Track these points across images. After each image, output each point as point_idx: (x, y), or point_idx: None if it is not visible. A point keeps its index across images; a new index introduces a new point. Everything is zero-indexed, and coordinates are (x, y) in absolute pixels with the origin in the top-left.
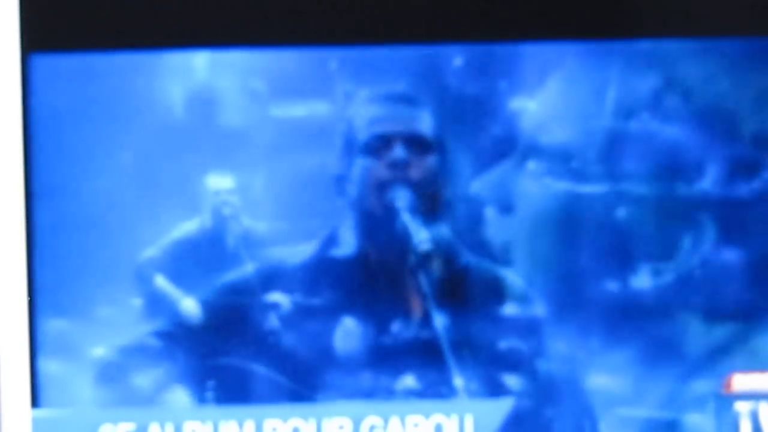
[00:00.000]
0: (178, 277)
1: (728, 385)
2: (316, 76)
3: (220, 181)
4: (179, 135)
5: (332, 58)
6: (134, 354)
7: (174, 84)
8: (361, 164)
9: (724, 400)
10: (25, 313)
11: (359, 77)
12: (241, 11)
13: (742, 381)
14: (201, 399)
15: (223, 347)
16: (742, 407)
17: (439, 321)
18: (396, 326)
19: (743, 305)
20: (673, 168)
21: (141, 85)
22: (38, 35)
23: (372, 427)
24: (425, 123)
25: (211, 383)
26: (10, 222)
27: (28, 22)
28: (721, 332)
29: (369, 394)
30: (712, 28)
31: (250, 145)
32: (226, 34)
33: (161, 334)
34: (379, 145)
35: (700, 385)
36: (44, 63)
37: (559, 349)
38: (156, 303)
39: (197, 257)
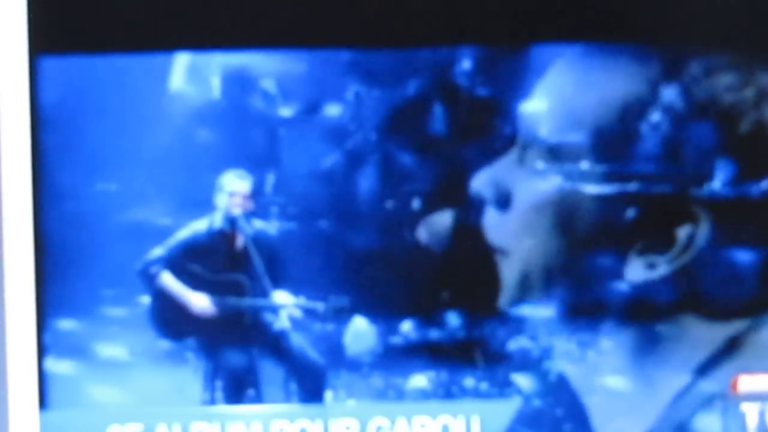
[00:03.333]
0: (185, 276)
1: (734, 386)
2: (327, 78)
3: (228, 182)
4: (187, 136)
5: (343, 60)
6: (141, 354)
7: (181, 86)
8: (372, 164)
9: (731, 401)
10: (32, 314)
11: (370, 79)
12: (252, 14)
13: (748, 382)
14: (209, 398)
15: (231, 346)
16: (748, 408)
17: (450, 320)
18: (406, 326)
19: (750, 305)
20: (678, 166)
21: (148, 87)
22: (45, 37)
23: (379, 428)
24: (435, 123)
25: (219, 383)
26: (18, 223)
27: (35, 25)
28: (727, 333)
29: (378, 394)
30: (717, 31)
31: (260, 146)
32: (233, 37)
33: (168, 334)
34: (391, 146)
35: (707, 386)
36: (51, 65)
37: (566, 348)
38: (163, 303)
39: (205, 256)
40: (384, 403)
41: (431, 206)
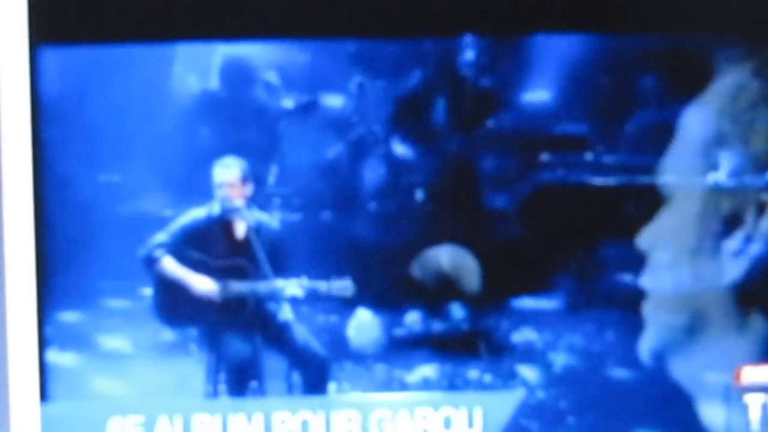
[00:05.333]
0: (186, 262)
1: (738, 377)
2: (331, 69)
3: (216, 174)
4: (189, 127)
5: (347, 50)
6: (143, 346)
7: (183, 76)
8: (375, 155)
9: (734, 392)
10: (33, 306)
11: (373, 69)
12: (254, 4)
13: (752, 373)
14: (212, 390)
15: (234, 338)
16: (751, 399)
17: (454, 312)
18: (410, 318)
19: (752, 297)
20: (687, 160)
21: (149, 78)
22: (46, 28)
23: (381, 420)
24: (439, 114)
25: (222, 374)
26: (18, 214)
27: (35, 15)
28: (731, 324)
29: (381, 386)
30: (723, 24)
31: (263, 137)
32: (235, 27)
33: (170, 323)
34: (395, 137)
35: (710, 377)
36: (52, 55)
37: (570, 340)
38: (166, 290)
39: (205, 245)
40: (385, 395)
41: (436, 201)
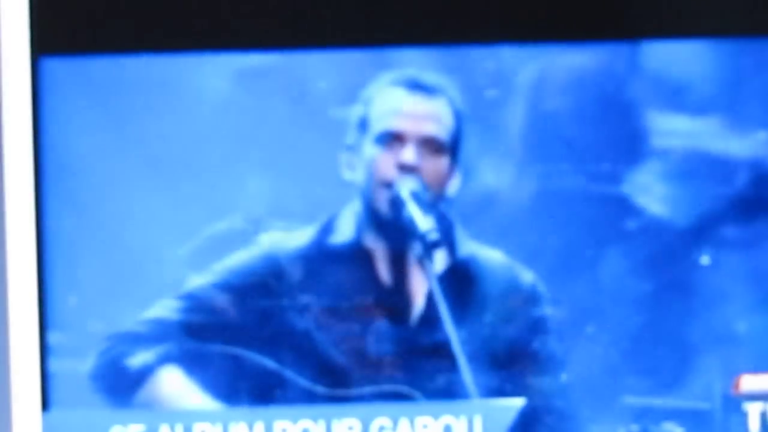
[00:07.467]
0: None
1: (737, 386)
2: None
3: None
4: (193, 137)
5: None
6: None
7: (187, 86)
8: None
9: (733, 401)
10: (35, 314)
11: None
12: (269, 13)
13: (750, 382)
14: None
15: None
16: (750, 408)
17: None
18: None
19: (754, 304)
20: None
21: (151, 89)
22: (48, 38)
23: (381, 429)
24: (444, 121)
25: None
26: (22, 231)
27: (37, 26)
28: (731, 331)
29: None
30: (719, 27)
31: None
32: (250, 37)
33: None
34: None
35: (709, 385)
36: (54, 66)
37: (568, 348)
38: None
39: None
40: (386, 404)
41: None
